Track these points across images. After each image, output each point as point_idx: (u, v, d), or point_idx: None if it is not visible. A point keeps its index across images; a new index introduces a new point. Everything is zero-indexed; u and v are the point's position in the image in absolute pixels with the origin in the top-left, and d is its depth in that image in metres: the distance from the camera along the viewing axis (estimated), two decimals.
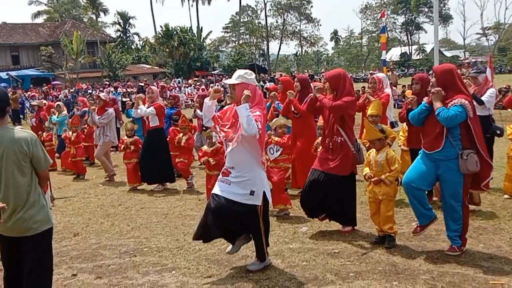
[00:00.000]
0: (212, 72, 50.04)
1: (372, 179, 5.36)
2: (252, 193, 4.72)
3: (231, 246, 5.00)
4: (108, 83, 36.05)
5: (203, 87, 31.53)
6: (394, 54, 66.08)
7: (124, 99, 24.90)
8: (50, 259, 4.09)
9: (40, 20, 59.70)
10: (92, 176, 10.61)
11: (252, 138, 4.66)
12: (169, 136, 9.25)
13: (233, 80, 4.83)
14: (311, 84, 7.37)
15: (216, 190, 4.87)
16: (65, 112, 12.10)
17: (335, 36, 78.97)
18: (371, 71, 41.30)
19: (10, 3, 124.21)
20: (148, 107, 8.76)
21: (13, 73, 32.39)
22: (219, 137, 5.08)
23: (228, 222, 4.75)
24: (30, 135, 3.88)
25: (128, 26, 64.31)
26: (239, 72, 4.92)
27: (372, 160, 5.41)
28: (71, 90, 30.78)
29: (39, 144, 3.91)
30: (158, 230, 6.50)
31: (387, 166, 5.28)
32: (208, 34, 57.62)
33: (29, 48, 47.69)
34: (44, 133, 11.53)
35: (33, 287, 3.91)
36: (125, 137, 9.20)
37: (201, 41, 53.73)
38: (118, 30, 63.82)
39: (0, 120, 3.81)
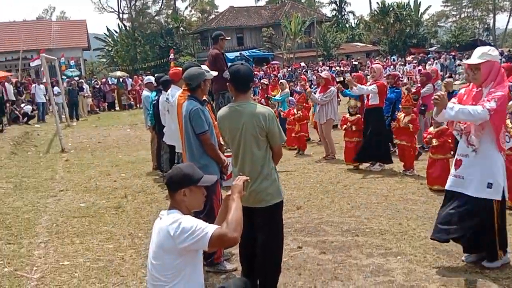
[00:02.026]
0: (429, 49, 47.24)
1: None
2: (489, 185, 4.25)
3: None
4: (322, 62, 36.87)
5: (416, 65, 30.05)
6: None
7: (338, 78, 25.12)
8: (281, 230, 4.28)
9: (262, 2, 63.67)
10: (310, 152, 10.95)
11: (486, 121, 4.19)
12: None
13: (475, 59, 4.33)
14: None
15: (448, 185, 4.55)
16: (287, 90, 12.64)
17: None
18: None
19: None
20: (370, 85, 8.62)
21: (237, 54, 35.44)
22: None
23: (462, 219, 4.35)
24: (268, 110, 4.07)
25: (344, 5, 64.41)
26: (481, 49, 4.39)
27: None
28: (289, 69, 32.30)
29: (276, 120, 4.08)
30: (378, 211, 6.36)
31: None
32: (426, 9, 54.61)
33: (252, 30, 51.38)
34: None
35: (265, 255, 4.14)
36: (348, 115, 9.21)
37: (419, 16, 51.11)
38: (334, 9, 64.42)
39: (243, 95, 4.07)
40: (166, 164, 8.61)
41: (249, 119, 3.96)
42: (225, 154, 5.46)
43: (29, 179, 9.22)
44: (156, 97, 8.57)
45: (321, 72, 12.56)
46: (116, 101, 27.30)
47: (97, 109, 25.84)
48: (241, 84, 4.00)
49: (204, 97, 5.08)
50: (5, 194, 7.82)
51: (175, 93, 6.97)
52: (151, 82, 9.67)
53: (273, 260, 4.15)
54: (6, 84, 20.01)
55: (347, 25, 62.14)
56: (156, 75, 9.32)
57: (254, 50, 46.78)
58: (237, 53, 33.82)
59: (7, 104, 18.39)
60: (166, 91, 7.55)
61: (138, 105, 26.88)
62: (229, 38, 9.29)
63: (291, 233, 5.70)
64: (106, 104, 27.02)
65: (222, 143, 5.54)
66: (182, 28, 55.15)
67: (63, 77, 25.90)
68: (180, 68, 7.73)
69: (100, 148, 13.33)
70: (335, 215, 6.33)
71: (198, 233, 2.79)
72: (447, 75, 27.51)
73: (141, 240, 5.76)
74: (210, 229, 2.81)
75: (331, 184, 8.00)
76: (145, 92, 9.87)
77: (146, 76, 17.65)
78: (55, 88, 20.66)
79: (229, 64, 4.82)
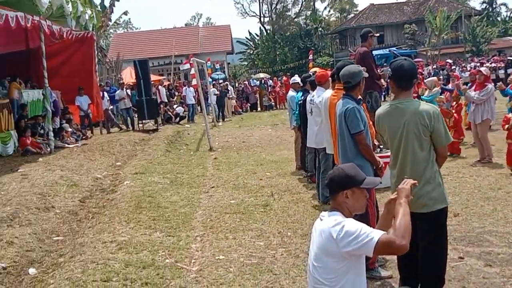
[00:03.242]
0: None
1: None
2: None
3: None
4: (471, 58, 34.35)
5: None
6: None
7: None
8: (445, 239, 4.02)
9: None
10: (463, 154, 10.15)
11: None
12: None
13: None
14: None
15: None
16: (436, 88, 11.90)
17: None
18: None
19: None
20: None
21: (378, 52, 34.38)
22: None
23: None
24: (433, 108, 3.81)
25: None
26: None
27: None
28: (434, 67, 30.57)
29: (441, 119, 3.79)
30: None
31: None
32: None
33: (393, 27, 49.52)
34: None
35: (427, 263, 3.89)
36: (510, 115, 8.37)
37: None
38: (484, 2, 59.75)
39: (406, 92, 3.85)
40: (311, 164, 8.58)
41: (412, 117, 3.73)
42: (378, 155, 5.26)
43: (183, 175, 9.81)
44: (302, 97, 8.57)
45: (473, 69, 11.60)
46: (258, 102, 28.13)
47: (240, 110, 26.83)
48: (404, 80, 3.79)
49: (359, 96, 4.92)
50: (163, 189, 8.39)
51: (321, 94, 6.91)
52: (297, 83, 9.70)
53: (436, 269, 3.89)
54: (159, 87, 21.72)
55: (499, 19, 57.24)
56: (303, 75, 9.31)
57: (394, 48, 45.13)
58: (383, 51, 32.77)
59: (161, 106, 19.92)
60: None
61: (277, 106, 27.43)
62: (378, 34, 8.99)
63: (450, 242, 5.22)
64: (249, 105, 27.96)
65: (376, 143, 5.34)
66: (320, 29, 55.09)
67: (210, 79, 27.38)
68: (325, 70, 7.66)
69: (244, 147, 13.76)
70: (499, 225, 5.76)
71: (363, 237, 2.65)
72: None
73: (291, 240, 5.77)
74: (376, 234, 2.65)
75: (491, 190, 7.31)
76: (291, 92, 9.94)
77: (290, 77, 17.97)
78: (213, 89, 22.08)
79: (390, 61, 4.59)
